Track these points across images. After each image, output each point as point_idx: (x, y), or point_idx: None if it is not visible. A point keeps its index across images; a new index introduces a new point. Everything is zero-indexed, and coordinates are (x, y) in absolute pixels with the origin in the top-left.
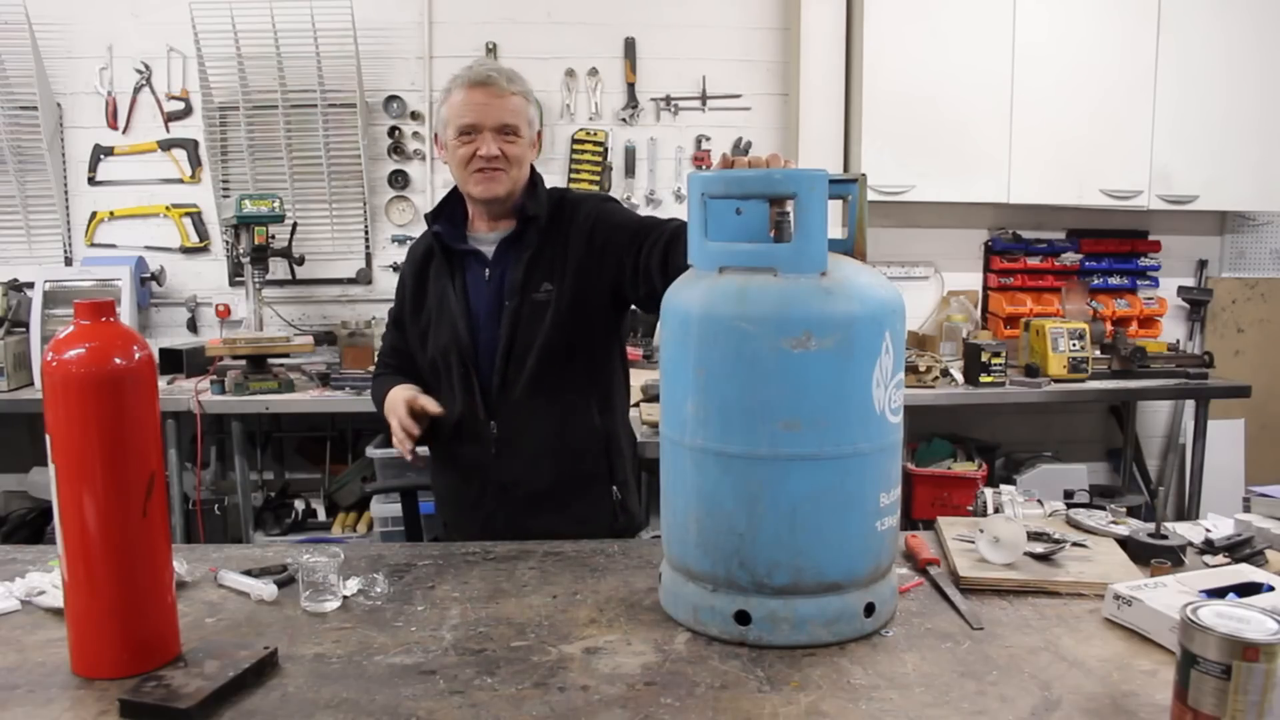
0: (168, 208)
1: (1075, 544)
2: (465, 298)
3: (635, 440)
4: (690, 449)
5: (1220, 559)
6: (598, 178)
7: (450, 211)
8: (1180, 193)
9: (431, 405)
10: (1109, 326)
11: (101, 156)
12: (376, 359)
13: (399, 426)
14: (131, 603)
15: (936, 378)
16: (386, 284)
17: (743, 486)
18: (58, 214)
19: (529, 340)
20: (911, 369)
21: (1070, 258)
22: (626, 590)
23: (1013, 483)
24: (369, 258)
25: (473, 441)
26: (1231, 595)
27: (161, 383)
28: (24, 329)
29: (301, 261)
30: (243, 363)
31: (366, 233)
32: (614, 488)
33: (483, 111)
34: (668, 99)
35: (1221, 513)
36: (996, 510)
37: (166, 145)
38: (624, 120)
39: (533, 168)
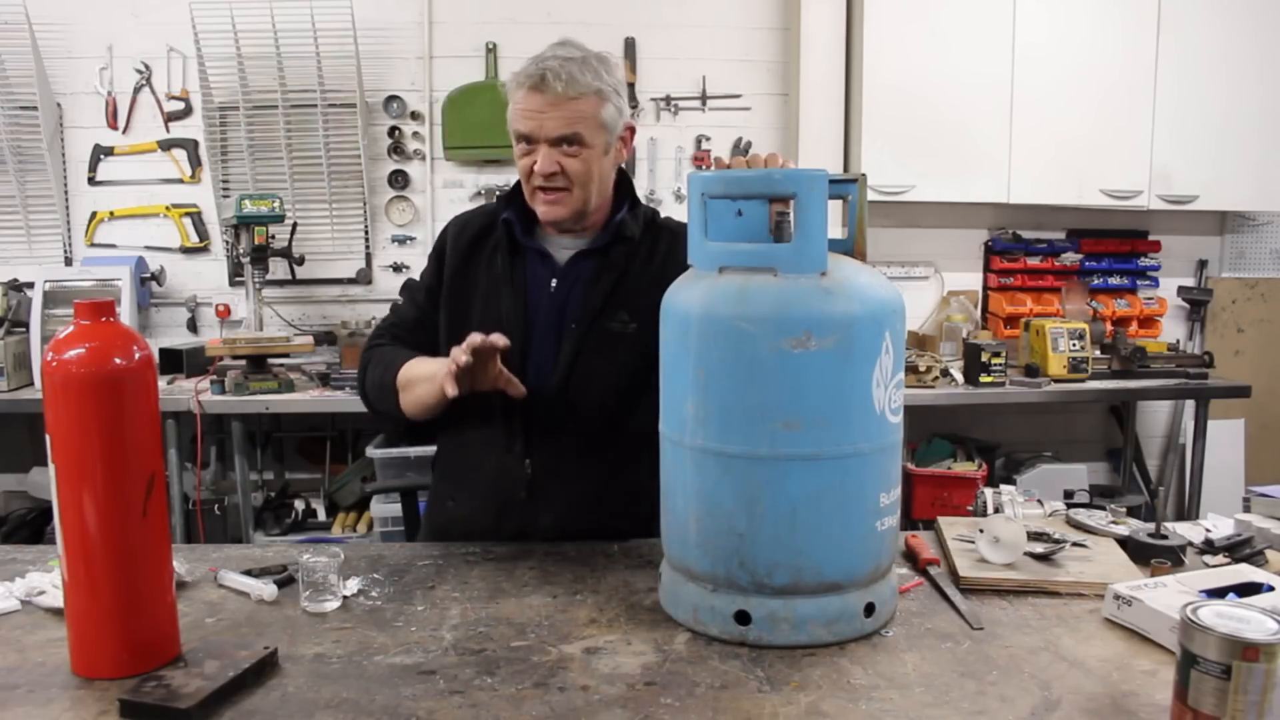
0: (168, 208)
1: (1075, 544)
2: (524, 305)
3: None
4: (690, 449)
5: (1220, 559)
6: None
7: (520, 201)
8: (1180, 193)
9: (500, 339)
10: (1109, 326)
11: (101, 156)
12: (378, 331)
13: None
14: (131, 603)
15: (936, 378)
16: (386, 284)
17: (743, 486)
18: (58, 214)
19: (593, 375)
20: (911, 369)
21: (1070, 258)
22: (626, 590)
23: (1013, 483)
24: (369, 258)
25: (499, 478)
26: (1231, 595)
27: (161, 383)
28: (24, 329)
29: (301, 261)
30: (243, 363)
31: (366, 233)
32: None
33: (536, 121)
34: (668, 99)
35: (1221, 513)
36: (996, 510)
37: (166, 145)
38: None
39: (626, 177)
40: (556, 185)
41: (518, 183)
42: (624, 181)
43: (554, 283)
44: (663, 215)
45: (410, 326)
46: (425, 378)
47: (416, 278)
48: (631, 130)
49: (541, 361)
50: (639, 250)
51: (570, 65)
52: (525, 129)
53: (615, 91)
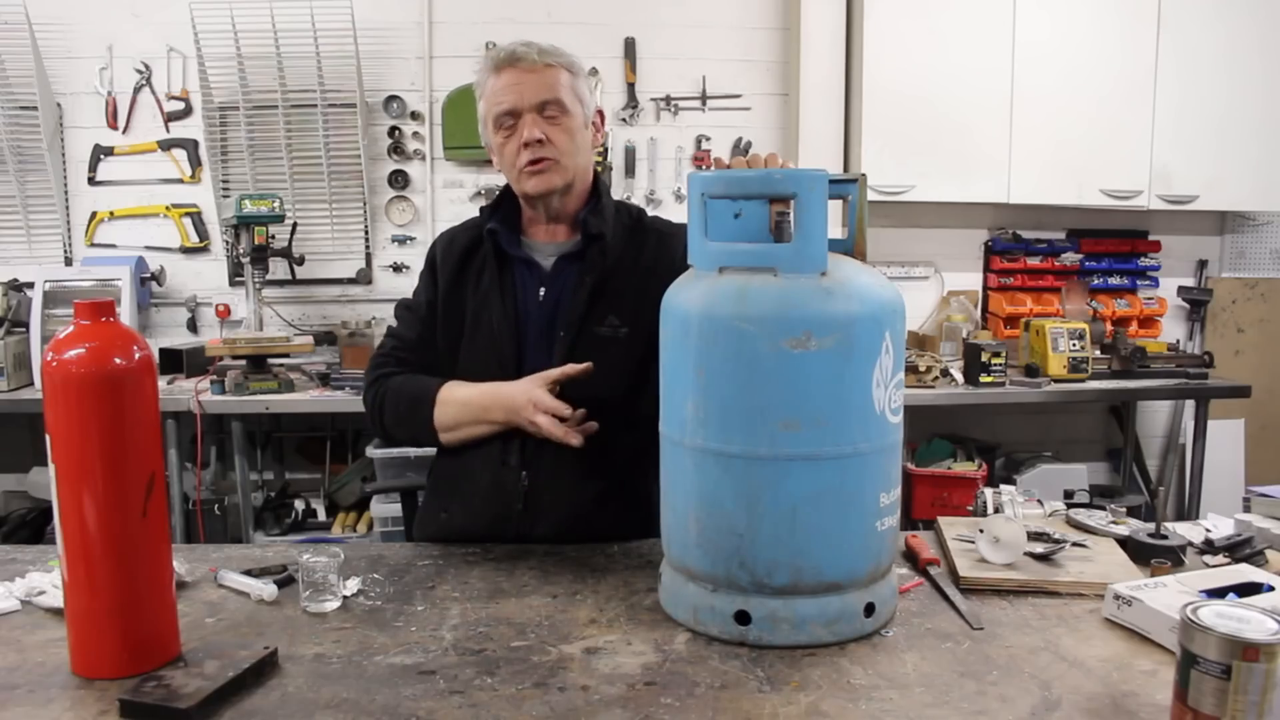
0: (168, 208)
1: (1075, 544)
2: (515, 315)
3: None
4: (690, 449)
5: (1220, 559)
6: None
7: (506, 210)
8: (1180, 193)
9: (565, 408)
10: (1109, 326)
11: (101, 156)
12: (381, 357)
13: (548, 412)
14: (131, 603)
15: (936, 378)
16: (386, 284)
17: (743, 486)
18: (58, 214)
19: (587, 382)
20: (911, 369)
21: (1070, 258)
22: (626, 590)
23: (1013, 483)
24: (369, 258)
25: (495, 491)
26: (1231, 595)
27: (161, 383)
28: (24, 329)
29: (301, 261)
30: (243, 363)
31: (366, 233)
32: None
33: (516, 92)
34: (668, 99)
35: (1221, 513)
36: (996, 510)
37: (166, 145)
38: (624, 120)
39: (597, 175)
40: (544, 154)
41: (500, 193)
42: (594, 180)
43: (542, 291)
44: (649, 214)
45: (414, 346)
46: (475, 420)
47: (410, 296)
48: (601, 115)
49: (536, 372)
50: (626, 250)
51: (535, 44)
52: (506, 104)
53: (583, 72)
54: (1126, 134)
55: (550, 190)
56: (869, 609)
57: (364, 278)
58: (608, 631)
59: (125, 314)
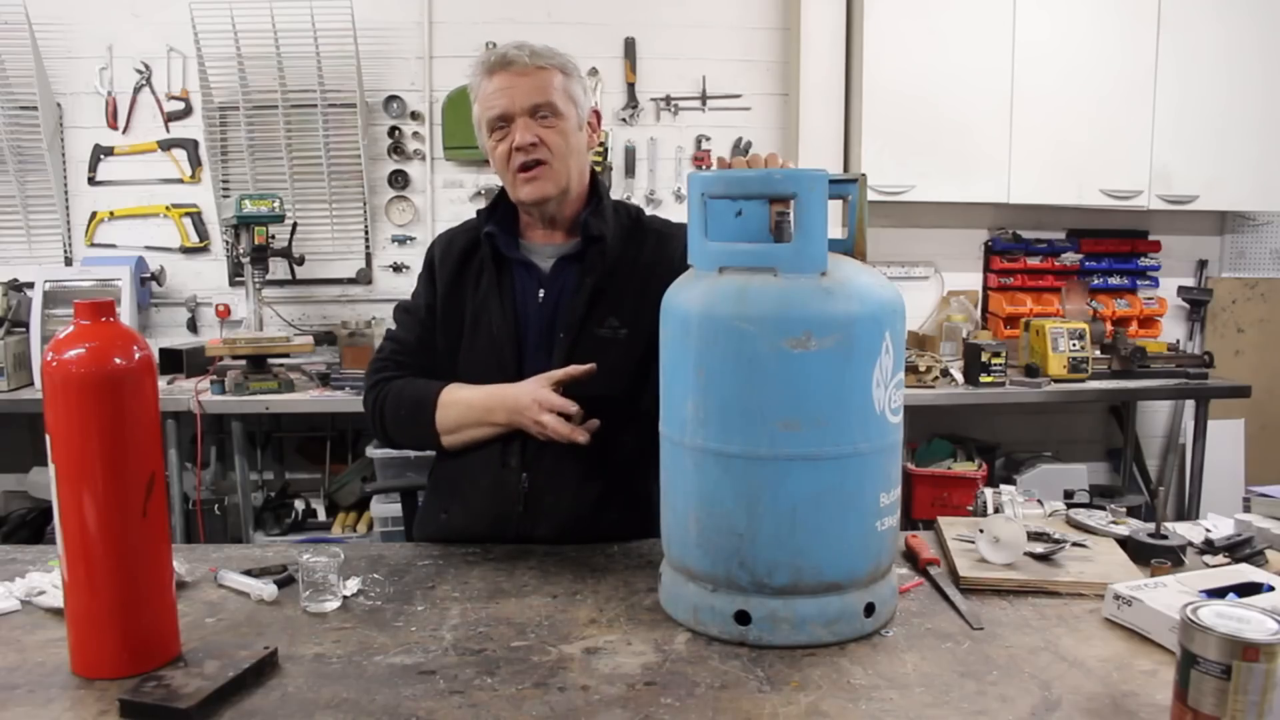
0: (168, 208)
1: (1075, 544)
2: (514, 317)
3: None
4: (690, 449)
5: (1220, 559)
6: None
7: (503, 212)
8: (1180, 193)
9: (571, 405)
10: (1109, 326)
11: (101, 156)
12: (380, 361)
13: (554, 410)
14: (131, 603)
15: (936, 378)
16: (386, 284)
17: (743, 486)
18: (58, 214)
19: (587, 383)
20: (911, 369)
21: (1070, 258)
22: (626, 590)
23: (1013, 483)
24: (369, 258)
25: (496, 492)
26: (1231, 595)
27: (161, 383)
28: (24, 329)
29: (301, 261)
30: (243, 363)
31: (366, 233)
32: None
33: (508, 96)
34: (668, 99)
35: (1221, 513)
36: (996, 510)
37: (166, 145)
38: (624, 120)
39: (595, 176)
40: (538, 158)
41: (497, 196)
42: (593, 180)
43: (541, 293)
44: (647, 214)
45: (413, 350)
46: (478, 422)
47: (409, 298)
48: (598, 115)
49: (536, 374)
50: (625, 251)
51: (528, 45)
52: (498, 108)
53: (577, 73)
54: (1126, 134)
55: (544, 198)
56: (869, 609)
57: (364, 278)
58: (608, 631)
59: (125, 314)
